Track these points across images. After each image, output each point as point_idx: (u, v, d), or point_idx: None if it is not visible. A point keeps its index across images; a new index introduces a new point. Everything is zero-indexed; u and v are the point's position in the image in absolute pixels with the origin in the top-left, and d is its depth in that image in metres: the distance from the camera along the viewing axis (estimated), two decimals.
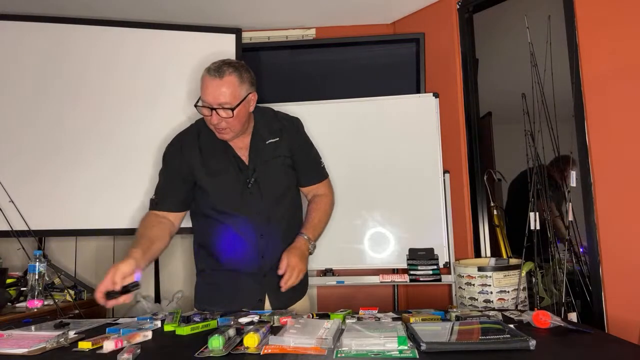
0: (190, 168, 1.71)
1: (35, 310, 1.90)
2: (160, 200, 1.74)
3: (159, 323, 1.37)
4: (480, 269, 2.09)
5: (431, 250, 2.39)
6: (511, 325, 1.19)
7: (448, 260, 2.38)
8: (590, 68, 2.02)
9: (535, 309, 1.51)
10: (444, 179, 2.44)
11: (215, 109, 1.57)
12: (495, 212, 2.51)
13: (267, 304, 1.70)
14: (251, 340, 1.08)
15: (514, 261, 2.16)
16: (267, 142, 1.74)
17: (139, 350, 1.08)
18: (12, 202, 2.25)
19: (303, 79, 2.95)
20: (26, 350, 1.11)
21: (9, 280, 2.15)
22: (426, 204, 2.42)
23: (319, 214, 1.86)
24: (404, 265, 2.39)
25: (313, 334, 1.11)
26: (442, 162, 2.45)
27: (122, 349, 1.10)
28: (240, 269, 1.70)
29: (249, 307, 1.57)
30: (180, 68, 2.52)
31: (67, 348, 1.16)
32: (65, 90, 2.46)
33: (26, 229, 2.25)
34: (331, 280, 2.45)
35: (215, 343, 1.07)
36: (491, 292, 2.05)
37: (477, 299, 2.08)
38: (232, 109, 1.58)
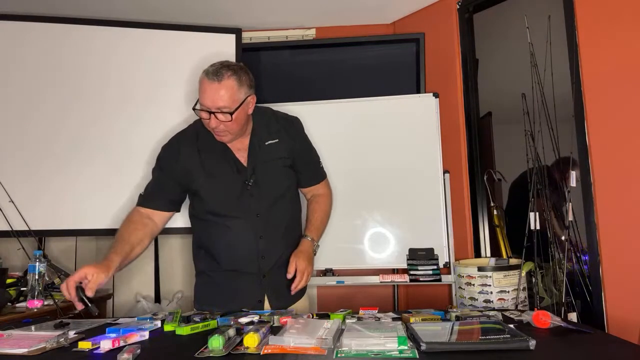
0: (188, 170, 1.70)
1: (35, 310, 1.90)
2: (148, 198, 1.74)
3: (159, 323, 1.37)
4: (480, 269, 2.09)
5: (431, 250, 2.39)
6: (511, 325, 1.19)
7: (448, 260, 2.38)
8: (590, 68, 2.02)
9: (535, 309, 1.51)
10: (444, 179, 2.44)
11: (213, 112, 1.56)
12: (495, 212, 2.51)
13: (267, 305, 1.70)
14: (251, 340, 1.08)
15: (514, 261, 2.16)
16: (266, 144, 1.74)
17: (139, 351, 1.08)
18: (12, 202, 2.25)
19: (303, 79, 2.95)
20: (26, 350, 1.11)
21: (9, 280, 2.14)
22: (426, 204, 2.42)
23: (320, 215, 1.87)
24: (404, 265, 2.39)
25: (313, 334, 1.11)
26: (442, 162, 2.45)
27: (120, 348, 1.10)
28: (240, 269, 1.70)
29: (248, 308, 1.57)
30: (180, 68, 2.52)
31: (67, 348, 1.16)
32: (65, 90, 2.46)
33: (26, 229, 2.25)
34: (331, 280, 2.45)
35: (215, 343, 1.07)
36: (491, 292, 2.05)
37: (477, 299, 2.08)
38: (231, 113, 1.56)
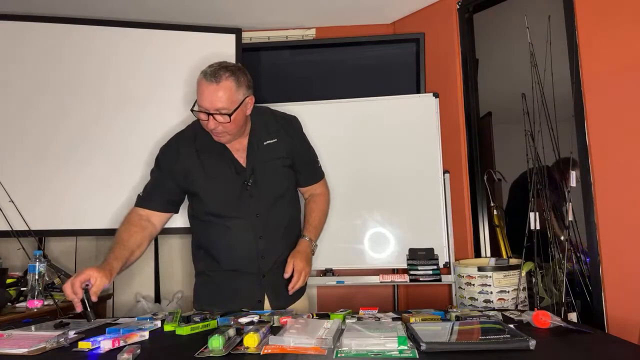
0: (186, 170, 1.70)
1: (35, 310, 1.90)
2: (146, 198, 1.73)
3: (159, 323, 1.37)
4: (480, 269, 2.09)
5: (431, 250, 2.39)
6: (511, 325, 1.19)
7: (448, 260, 2.38)
8: (590, 68, 2.02)
9: (535, 309, 1.51)
10: (444, 179, 2.44)
11: (212, 114, 1.56)
12: (495, 212, 2.51)
13: (267, 305, 1.70)
14: (251, 340, 1.08)
15: (514, 261, 2.16)
16: (264, 143, 1.73)
17: (138, 351, 1.08)
18: (12, 202, 2.25)
19: (303, 79, 2.95)
20: (26, 350, 1.11)
21: (9, 280, 2.14)
22: (426, 204, 2.42)
23: (318, 215, 1.87)
24: (404, 265, 2.39)
25: (313, 334, 1.11)
26: (442, 162, 2.45)
27: (120, 348, 1.10)
28: (240, 269, 1.70)
29: (248, 308, 1.57)
30: (180, 68, 2.52)
31: (67, 348, 1.16)
32: (65, 90, 2.46)
33: (26, 229, 2.25)
34: (331, 280, 2.45)
35: (215, 343, 1.07)
36: (491, 292, 2.05)
37: (477, 299, 2.08)
38: (229, 115, 1.56)
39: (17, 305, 2.01)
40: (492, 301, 2.04)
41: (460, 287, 2.18)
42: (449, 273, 2.38)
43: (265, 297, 1.70)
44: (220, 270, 1.72)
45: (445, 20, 2.67)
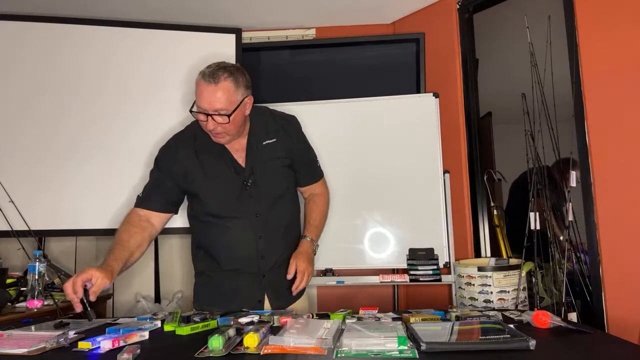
0: (186, 171, 1.70)
1: (35, 310, 1.90)
2: (146, 199, 1.72)
3: (159, 323, 1.37)
4: (480, 269, 2.09)
5: (431, 250, 2.39)
6: (511, 325, 1.19)
7: (448, 260, 2.38)
8: (590, 68, 2.02)
9: (535, 309, 1.51)
10: (444, 179, 2.44)
11: (210, 115, 1.55)
12: (495, 212, 2.51)
13: (267, 304, 1.70)
14: (251, 340, 1.08)
15: (514, 261, 2.16)
16: (264, 143, 1.73)
17: (138, 351, 1.08)
18: (12, 202, 2.25)
19: (303, 79, 2.95)
20: (26, 350, 1.11)
21: (9, 280, 2.14)
22: (426, 204, 2.42)
23: (318, 215, 1.87)
24: (404, 265, 2.39)
25: (313, 334, 1.11)
26: (442, 162, 2.45)
27: (120, 348, 1.10)
28: (240, 269, 1.70)
29: (248, 308, 1.57)
30: (180, 68, 2.52)
31: (67, 348, 1.16)
32: (65, 90, 2.46)
33: (26, 229, 2.25)
34: (331, 280, 2.45)
35: (215, 343, 1.07)
36: (491, 292, 2.05)
37: (477, 299, 2.08)
38: (228, 115, 1.55)
39: (17, 305, 2.01)
40: (492, 301, 2.04)
41: (460, 287, 2.18)
42: (449, 273, 2.38)
43: (266, 297, 1.70)
44: (220, 270, 1.72)
45: (445, 20, 2.67)
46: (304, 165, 1.84)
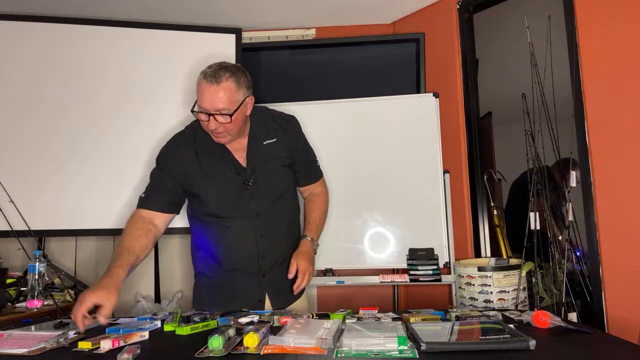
0: (185, 171, 1.70)
1: (35, 310, 1.90)
2: (148, 199, 1.71)
3: (159, 323, 1.37)
4: (480, 269, 2.09)
5: (431, 250, 2.39)
6: (511, 325, 1.19)
7: (448, 260, 2.38)
8: (590, 68, 2.02)
9: (535, 309, 1.51)
10: (444, 179, 2.44)
11: (212, 114, 1.55)
12: (495, 212, 2.51)
13: (267, 304, 1.70)
14: (251, 340, 1.08)
15: (514, 261, 2.16)
16: (264, 143, 1.73)
17: (138, 351, 1.08)
18: (12, 202, 2.25)
19: (303, 79, 2.95)
20: (26, 350, 1.11)
21: (9, 280, 2.15)
22: (426, 204, 2.42)
23: (318, 215, 1.87)
24: (404, 265, 2.39)
25: (313, 334, 1.11)
26: (442, 162, 2.45)
27: (120, 348, 1.10)
28: (240, 269, 1.70)
29: (248, 308, 1.57)
30: (180, 68, 2.52)
31: (67, 348, 1.16)
32: (65, 89, 2.46)
33: (26, 229, 2.25)
34: (331, 280, 2.45)
35: (215, 343, 1.07)
36: (491, 292, 2.05)
37: (477, 299, 2.08)
38: (230, 115, 1.56)
39: (17, 305, 2.01)
40: (492, 301, 2.04)
41: (460, 287, 2.18)
42: (449, 273, 2.38)
43: (266, 296, 1.70)
44: (221, 270, 1.72)
45: (445, 20, 2.66)
46: (303, 165, 1.85)
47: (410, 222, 2.43)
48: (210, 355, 1.05)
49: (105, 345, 1.12)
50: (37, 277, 1.94)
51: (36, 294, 1.93)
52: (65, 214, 2.37)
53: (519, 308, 2.03)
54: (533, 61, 2.16)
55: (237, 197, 1.69)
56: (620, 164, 1.92)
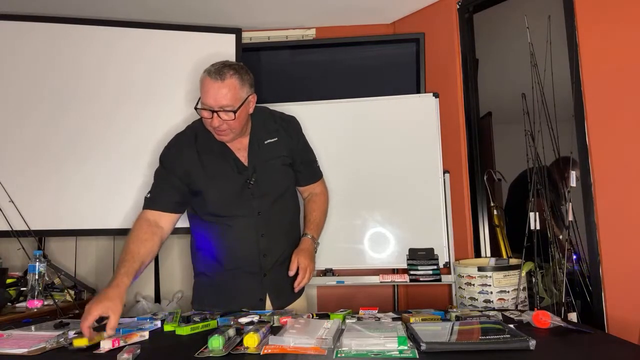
0: (188, 171, 1.70)
1: (35, 310, 1.90)
2: (154, 199, 1.70)
3: (159, 323, 1.37)
4: (480, 269, 2.09)
5: (431, 250, 2.39)
6: (511, 325, 1.19)
7: (448, 260, 2.38)
8: (590, 68, 2.02)
9: (535, 309, 1.51)
10: (444, 179, 2.44)
11: (216, 111, 1.56)
12: (495, 212, 2.51)
13: (268, 303, 1.70)
14: (251, 340, 1.08)
15: (514, 261, 2.16)
16: (265, 142, 1.74)
17: (138, 351, 1.08)
18: (12, 202, 2.25)
19: (303, 79, 2.95)
20: (26, 350, 1.11)
21: (9, 280, 2.15)
22: (426, 204, 2.42)
23: (319, 214, 1.88)
24: (404, 265, 2.39)
25: (313, 334, 1.11)
26: (442, 162, 2.45)
27: (120, 348, 1.10)
28: (241, 268, 1.70)
29: (249, 307, 1.57)
30: (180, 68, 2.52)
31: (67, 348, 1.16)
32: (65, 89, 2.45)
33: (26, 229, 2.25)
34: (331, 280, 2.45)
35: (215, 343, 1.07)
36: (491, 292, 2.05)
37: (477, 299, 2.08)
38: (234, 111, 1.57)
39: (17, 305, 2.01)
40: (492, 301, 2.04)
41: (460, 287, 2.18)
42: (449, 273, 2.38)
43: (267, 296, 1.70)
44: (222, 270, 1.72)
45: (445, 20, 2.66)
46: (304, 165, 1.85)
47: (410, 222, 2.43)
48: (210, 355, 1.05)
49: (105, 345, 1.12)
50: (37, 277, 1.94)
51: (36, 294, 1.93)
52: (65, 213, 2.37)
53: (519, 308, 2.03)
54: (533, 61, 2.16)
55: (238, 195, 1.69)
56: (620, 164, 1.92)
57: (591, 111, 2.00)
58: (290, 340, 1.08)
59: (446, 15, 2.66)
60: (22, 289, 2.13)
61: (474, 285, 2.09)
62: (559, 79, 2.10)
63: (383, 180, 2.47)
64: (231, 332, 1.17)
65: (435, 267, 2.35)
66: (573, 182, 1.99)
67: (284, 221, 1.76)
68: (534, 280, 2.09)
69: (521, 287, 2.07)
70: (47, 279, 2.13)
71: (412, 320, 1.29)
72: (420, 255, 2.38)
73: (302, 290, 1.82)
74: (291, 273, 1.67)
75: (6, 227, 2.23)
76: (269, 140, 1.74)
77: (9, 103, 2.40)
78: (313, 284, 2.51)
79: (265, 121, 1.78)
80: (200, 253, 1.77)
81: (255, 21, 2.86)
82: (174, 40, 2.59)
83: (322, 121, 2.47)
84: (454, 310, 1.43)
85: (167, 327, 1.32)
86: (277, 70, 2.96)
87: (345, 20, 2.92)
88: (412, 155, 2.47)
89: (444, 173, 2.45)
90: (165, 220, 1.69)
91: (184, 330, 1.27)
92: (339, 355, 1.01)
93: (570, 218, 1.98)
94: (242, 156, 1.72)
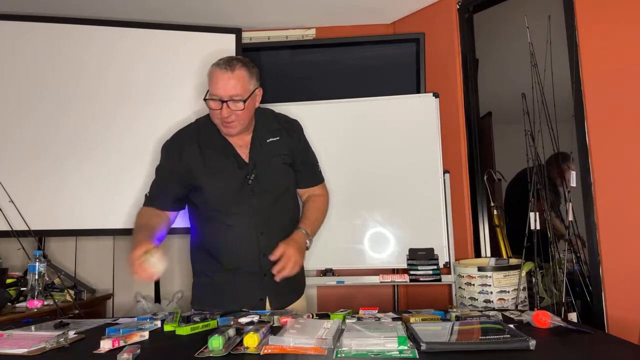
0: (189, 166, 1.70)
1: (35, 310, 1.90)
2: (154, 198, 1.74)
3: (159, 323, 1.37)
4: (480, 269, 2.09)
5: (431, 250, 2.39)
6: (511, 325, 1.19)
7: (448, 260, 2.38)
8: (590, 68, 2.02)
9: (535, 309, 1.51)
10: (444, 179, 2.44)
11: (226, 101, 1.58)
12: (495, 212, 2.51)
13: (268, 303, 1.70)
14: (251, 340, 1.08)
15: (514, 261, 2.16)
16: (267, 141, 1.75)
17: (138, 351, 1.08)
18: (12, 202, 2.25)
19: (303, 79, 2.95)
20: (26, 350, 1.11)
21: (9, 280, 2.15)
22: (426, 204, 2.42)
23: (316, 212, 1.86)
24: (404, 265, 2.39)
25: (313, 334, 1.10)
26: (442, 162, 2.45)
27: (120, 348, 1.10)
28: (241, 268, 1.70)
29: (249, 307, 1.57)
30: (180, 68, 2.52)
31: (67, 348, 1.16)
32: (65, 89, 2.46)
33: (26, 229, 2.25)
34: (331, 280, 2.45)
35: (215, 343, 1.06)
36: (491, 292, 2.05)
37: (477, 299, 2.08)
38: (244, 101, 1.60)
39: (17, 305, 2.01)
40: (492, 301, 2.04)
41: (460, 287, 2.18)
42: (449, 273, 2.38)
43: (267, 295, 1.70)
44: (221, 270, 1.71)
45: (445, 20, 2.67)
46: (304, 167, 1.85)
47: (410, 222, 2.44)
48: (210, 355, 1.04)
49: (105, 345, 1.12)
50: (37, 277, 1.94)
51: (36, 294, 1.93)
52: (65, 213, 2.37)
53: (519, 308, 2.03)
54: (533, 61, 2.16)
55: (238, 192, 1.69)
56: (620, 163, 1.92)
57: (591, 111, 2.00)
58: (290, 340, 1.07)
59: (446, 15, 2.66)
60: (22, 289, 2.13)
61: (474, 285, 2.09)
62: (559, 79, 2.11)
63: (383, 180, 2.47)
64: (231, 332, 1.17)
65: (435, 267, 2.35)
66: (573, 182, 1.99)
67: (283, 220, 1.76)
68: (534, 280, 2.09)
69: (521, 287, 2.07)
70: (47, 279, 2.13)
71: (412, 320, 1.29)
72: (420, 255, 2.38)
73: (301, 291, 1.81)
74: (273, 258, 1.61)
75: (6, 227, 2.23)
76: (270, 139, 1.75)
77: (9, 103, 2.40)
78: (313, 284, 2.51)
79: (269, 121, 1.80)
80: (200, 252, 1.77)
81: (255, 21, 2.86)
82: (174, 40, 2.59)
83: (322, 121, 2.47)
84: (454, 310, 1.43)
85: (167, 327, 1.32)
86: (277, 70, 2.96)
87: (345, 20, 2.92)
88: (412, 155, 2.47)
89: (444, 173, 2.45)
90: (165, 215, 1.74)
91: (184, 330, 1.27)
92: (339, 355, 1.01)
93: (570, 218, 1.98)
94: (244, 153, 1.72)
